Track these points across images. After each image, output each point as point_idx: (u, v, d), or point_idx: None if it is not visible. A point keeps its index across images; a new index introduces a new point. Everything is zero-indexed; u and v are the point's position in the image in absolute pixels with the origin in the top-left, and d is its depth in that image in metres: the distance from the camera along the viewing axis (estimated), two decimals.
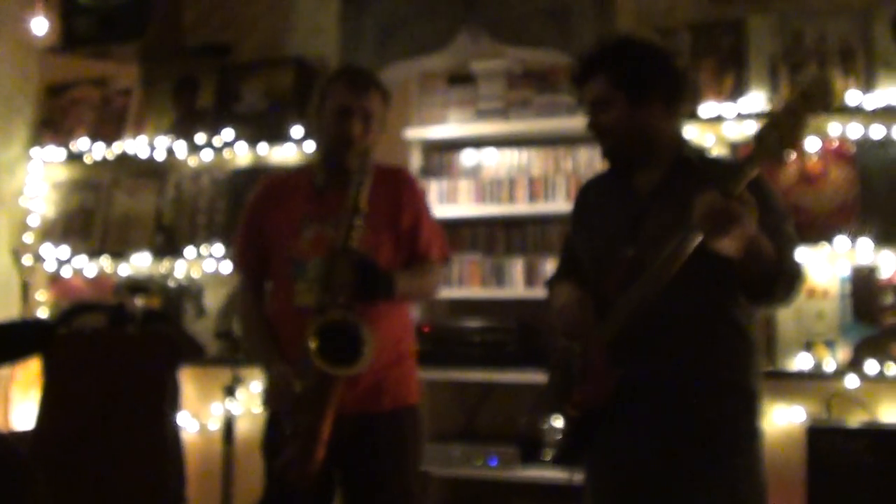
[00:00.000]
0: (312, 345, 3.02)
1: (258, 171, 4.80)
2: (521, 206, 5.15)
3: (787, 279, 2.68)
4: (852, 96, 4.29)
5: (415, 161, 5.42)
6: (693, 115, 4.43)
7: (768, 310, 3.53)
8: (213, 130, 5.09)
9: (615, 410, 2.79)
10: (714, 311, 2.79)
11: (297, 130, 4.87)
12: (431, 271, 3.51)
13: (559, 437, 2.98)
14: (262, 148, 5.03)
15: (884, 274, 4.30)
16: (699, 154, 2.99)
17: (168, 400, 4.46)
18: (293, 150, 4.95)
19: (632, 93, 2.84)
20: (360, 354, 3.05)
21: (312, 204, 3.38)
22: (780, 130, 2.37)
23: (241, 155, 5.06)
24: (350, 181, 3.16)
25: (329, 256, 3.14)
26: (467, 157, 5.39)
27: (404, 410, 3.40)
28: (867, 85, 4.34)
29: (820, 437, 3.98)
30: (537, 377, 4.83)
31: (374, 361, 3.14)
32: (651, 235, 2.76)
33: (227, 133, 5.05)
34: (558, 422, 3.00)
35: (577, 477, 3.01)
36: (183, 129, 5.17)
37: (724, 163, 3.30)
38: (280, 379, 3.21)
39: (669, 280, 2.61)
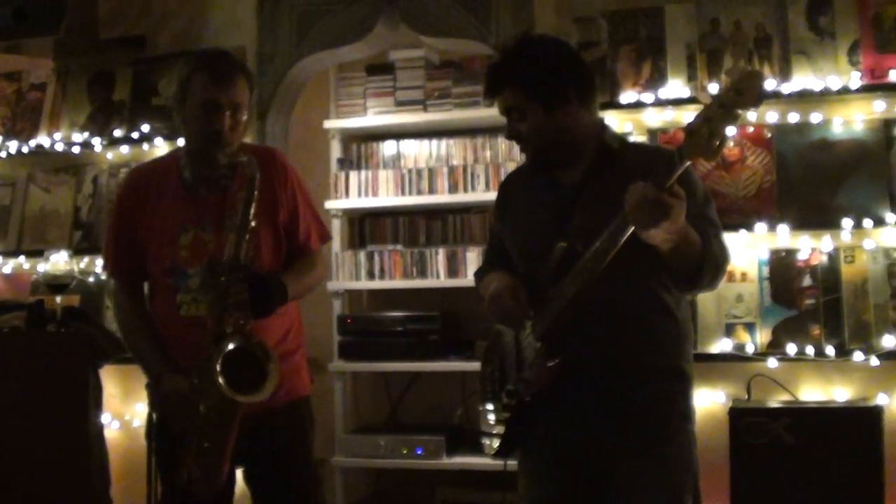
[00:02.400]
0: (219, 378, 2.93)
1: None
2: (442, 197, 5.16)
3: (713, 266, 2.72)
4: (769, 83, 4.38)
5: (335, 152, 5.40)
6: (612, 103, 4.49)
7: (694, 294, 3.58)
8: (131, 124, 5.03)
9: (552, 398, 2.82)
10: (646, 297, 2.82)
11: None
12: (315, 264, 3.45)
13: (496, 426, 2.99)
14: (181, 141, 4.96)
15: (801, 257, 4.41)
16: (620, 141, 3.00)
17: (90, 399, 4.39)
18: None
19: (546, 100, 2.83)
20: (264, 377, 2.98)
21: (187, 206, 3.25)
22: (711, 125, 2.37)
23: (160, 148, 4.99)
24: (222, 178, 3.10)
25: (213, 270, 3.04)
26: (387, 147, 5.39)
27: (299, 402, 3.39)
28: (783, 72, 4.44)
29: (741, 418, 4.06)
30: (461, 366, 4.91)
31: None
32: (580, 226, 2.78)
33: (145, 126, 4.99)
34: (494, 412, 3.02)
35: (511, 463, 3.04)
36: (99, 123, 5.10)
37: (645, 148, 3.34)
38: (174, 396, 3.12)
39: (603, 270, 2.63)
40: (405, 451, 4.98)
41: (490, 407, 3.05)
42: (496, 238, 3.17)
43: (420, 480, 5.19)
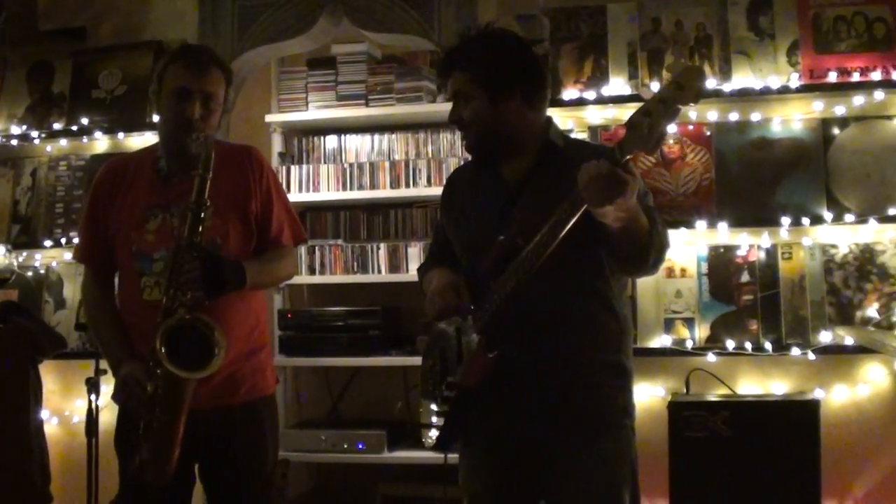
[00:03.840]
0: (161, 348, 2.93)
1: None
2: (384, 191, 5.14)
3: (658, 248, 2.74)
4: (709, 82, 4.44)
5: (276, 146, 5.37)
6: (554, 101, 4.51)
7: (637, 278, 3.60)
8: (70, 116, 4.97)
9: (492, 392, 2.82)
10: (586, 293, 2.84)
11: (156, 116, 4.75)
12: (284, 256, 3.44)
13: (436, 420, 3.00)
14: (121, 134, 4.93)
15: (740, 253, 4.48)
16: (564, 138, 3.03)
17: (30, 395, 4.33)
18: (152, 135, 4.83)
19: (492, 90, 2.85)
20: (211, 356, 2.98)
21: (157, 192, 3.28)
22: (652, 119, 2.38)
23: (100, 141, 4.93)
24: (193, 167, 3.07)
25: (174, 253, 3.06)
26: (329, 142, 5.36)
27: (260, 401, 3.37)
28: (723, 71, 4.51)
29: (680, 412, 4.11)
30: (402, 360, 4.91)
31: (228, 353, 3.09)
32: (521, 221, 2.78)
33: (84, 119, 4.93)
34: (435, 405, 3.03)
35: (451, 457, 3.04)
36: (38, 116, 5.03)
37: (588, 145, 3.38)
38: (129, 379, 3.12)
39: (542, 264, 2.64)
40: (346, 446, 4.97)
41: (430, 400, 3.05)
42: (441, 234, 3.18)
43: (362, 475, 5.18)
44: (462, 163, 3.70)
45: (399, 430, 5.03)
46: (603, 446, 2.86)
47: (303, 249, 5.18)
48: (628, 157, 2.45)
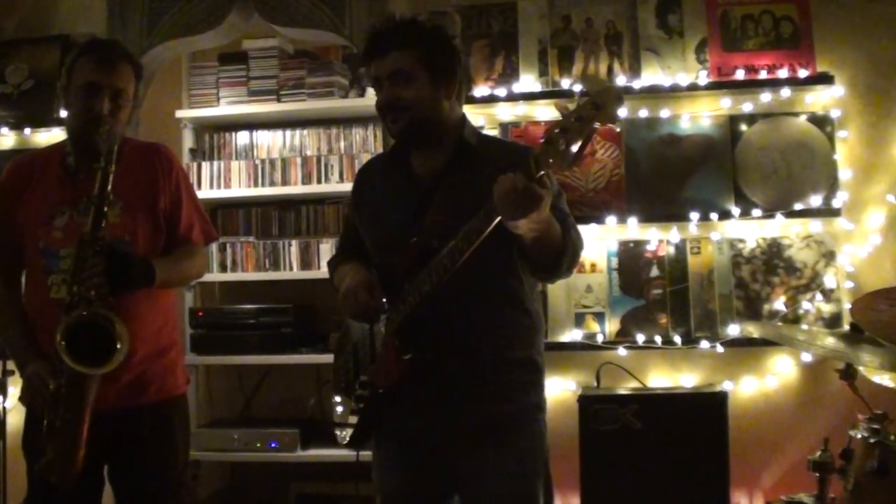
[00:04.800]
0: (61, 343, 2.89)
1: None
2: (295, 188, 5.10)
3: (572, 254, 2.76)
4: (619, 79, 4.49)
5: (187, 142, 5.30)
6: (466, 97, 4.51)
7: (550, 283, 3.60)
8: None
9: (405, 389, 2.82)
10: (498, 290, 2.85)
11: (64, 111, 4.67)
12: (194, 254, 3.42)
13: (350, 417, 2.98)
14: (28, 130, 4.83)
15: (649, 248, 4.53)
16: (478, 136, 3.00)
17: None
18: (60, 131, 4.75)
19: (436, 73, 2.83)
20: (112, 351, 2.94)
21: (65, 189, 3.24)
22: (568, 136, 2.36)
23: (6, 137, 4.82)
24: (97, 161, 3.03)
25: (77, 247, 3.01)
26: (240, 138, 5.31)
27: (170, 402, 3.34)
28: (633, 68, 4.56)
29: (591, 405, 4.16)
30: (315, 358, 4.88)
31: (136, 353, 3.08)
32: (436, 221, 2.78)
33: None
34: (348, 403, 3.01)
35: (365, 454, 3.04)
36: None
37: (501, 144, 3.33)
38: (34, 378, 3.08)
39: (459, 267, 2.64)
40: (259, 445, 4.92)
41: (344, 398, 3.05)
42: (351, 227, 3.15)
43: (275, 474, 5.14)
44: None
45: (312, 428, 5.00)
46: (516, 442, 2.87)
47: (214, 247, 5.11)
48: (543, 172, 2.43)
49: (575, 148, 2.37)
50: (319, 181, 5.05)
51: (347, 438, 3.01)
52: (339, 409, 3.07)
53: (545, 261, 2.73)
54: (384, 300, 2.86)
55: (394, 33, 2.84)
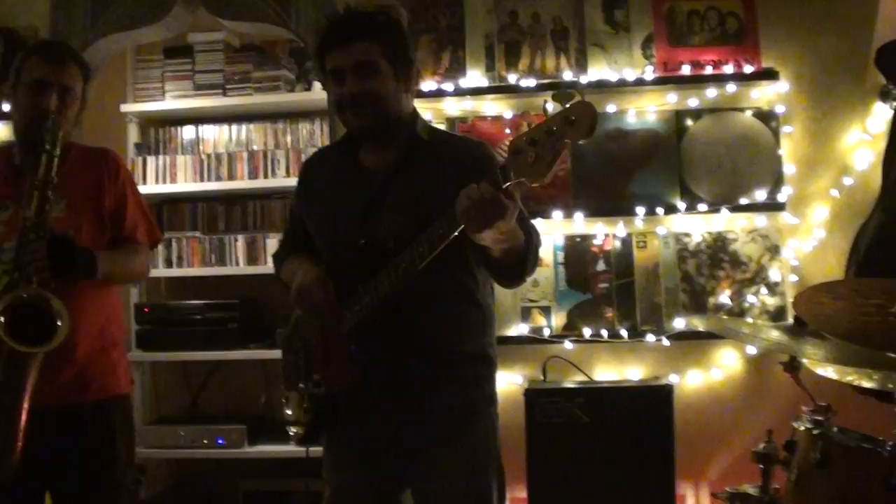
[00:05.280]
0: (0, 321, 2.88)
1: None
2: (242, 182, 5.05)
3: (535, 259, 2.76)
4: (566, 74, 4.50)
5: (132, 136, 5.23)
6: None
7: (511, 289, 3.56)
8: None
9: (360, 388, 2.80)
10: (451, 286, 2.83)
11: (5, 106, 4.60)
12: (138, 252, 3.41)
13: (301, 414, 2.96)
14: None
15: (595, 242, 4.54)
16: (430, 131, 2.96)
17: None
18: (2, 125, 4.69)
19: (399, 67, 2.79)
20: (54, 331, 2.92)
21: (10, 185, 3.23)
22: (538, 149, 2.29)
23: None
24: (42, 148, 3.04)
25: (20, 233, 3.01)
26: (186, 132, 5.26)
27: (112, 402, 3.31)
28: (579, 64, 4.58)
29: (537, 399, 4.17)
30: (262, 354, 4.85)
31: (77, 347, 3.06)
32: (390, 221, 2.76)
33: None
34: (300, 401, 2.98)
35: (314, 451, 3.02)
36: None
37: (452, 139, 3.22)
38: None
39: (420, 272, 2.61)
40: (206, 442, 4.88)
41: (295, 396, 3.01)
42: (297, 220, 3.11)
43: (222, 471, 5.10)
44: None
45: (260, 424, 4.96)
46: (470, 437, 2.87)
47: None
48: (510, 183, 2.37)
49: (544, 163, 2.29)
50: (266, 176, 5.01)
51: (299, 436, 2.99)
52: (291, 406, 3.04)
53: (509, 269, 2.73)
54: (337, 301, 2.82)
55: (356, 23, 2.78)
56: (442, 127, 4.55)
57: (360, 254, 2.77)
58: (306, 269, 2.90)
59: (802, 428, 3.24)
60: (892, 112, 4.47)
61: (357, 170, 2.90)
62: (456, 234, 2.51)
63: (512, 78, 4.61)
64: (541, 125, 2.31)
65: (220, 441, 4.87)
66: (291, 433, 3.03)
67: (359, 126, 2.82)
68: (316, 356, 2.92)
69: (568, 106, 2.29)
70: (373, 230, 2.77)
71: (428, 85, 4.63)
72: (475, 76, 4.65)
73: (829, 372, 3.56)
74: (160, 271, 5.11)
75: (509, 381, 4.49)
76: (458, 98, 4.64)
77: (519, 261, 2.69)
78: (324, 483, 3.01)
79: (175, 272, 5.15)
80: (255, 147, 5.14)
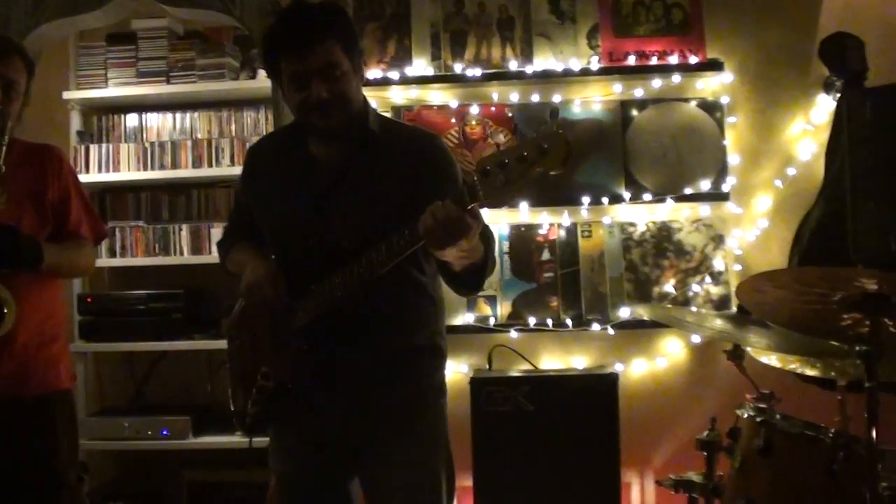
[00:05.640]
0: None
1: None
2: (186, 171, 5.00)
3: (491, 270, 2.76)
4: (511, 64, 4.51)
5: (74, 124, 5.17)
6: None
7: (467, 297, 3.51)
8: None
9: (310, 382, 2.79)
10: (402, 278, 2.80)
11: None
12: (82, 247, 3.39)
13: (248, 404, 2.92)
14: None
15: (540, 232, 4.55)
16: (381, 123, 2.90)
17: None
18: None
19: (356, 63, 2.75)
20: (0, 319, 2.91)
21: None
22: (507, 174, 2.26)
23: None
24: None
25: None
26: (129, 120, 5.20)
27: (53, 397, 3.28)
28: (525, 53, 4.58)
29: (482, 387, 4.17)
30: (207, 344, 4.81)
31: (18, 339, 3.04)
32: (345, 219, 2.74)
33: None
34: (246, 392, 2.95)
35: (258, 441, 3.01)
36: None
37: (404, 131, 3.06)
38: None
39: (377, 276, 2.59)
40: (150, 433, 4.84)
41: (242, 387, 2.97)
42: (242, 207, 3.07)
43: (167, 462, 5.06)
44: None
45: (204, 415, 4.93)
46: (419, 428, 2.87)
47: None
48: (474, 204, 2.35)
49: (513, 188, 2.27)
50: (210, 164, 4.97)
51: (245, 426, 2.96)
52: (238, 397, 3.00)
53: (466, 282, 2.71)
54: (288, 297, 2.79)
55: (312, 23, 2.68)
56: (388, 115, 4.53)
57: (314, 251, 2.75)
58: (256, 264, 2.86)
59: (746, 415, 3.27)
60: (835, 103, 4.51)
61: (308, 161, 2.84)
62: (416, 247, 2.49)
63: (458, 67, 4.61)
64: (513, 149, 2.28)
65: (164, 432, 4.83)
66: (238, 424, 3.00)
67: (326, 128, 2.75)
68: (265, 350, 2.88)
69: (543, 135, 2.26)
70: (326, 227, 2.75)
71: (373, 73, 4.62)
72: (421, 65, 4.64)
73: (772, 360, 3.60)
74: (103, 261, 5.05)
75: (455, 371, 4.49)
76: (404, 87, 4.63)
77: (476, 274, 2.68)
78: (269, 472, 3.00)
79: (119, 262, 5.09)
80: (199, 135, 5.09)
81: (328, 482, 2.93)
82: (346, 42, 2.71)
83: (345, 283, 2.64)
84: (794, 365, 3.57)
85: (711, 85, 4.67)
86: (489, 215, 4.49)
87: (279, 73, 2.75)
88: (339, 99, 2.69)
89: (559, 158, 2.22)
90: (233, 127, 5.06)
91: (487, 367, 4.40)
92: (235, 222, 3.17)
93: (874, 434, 2.59)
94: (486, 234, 2.67)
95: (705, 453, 3.50)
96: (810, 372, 3.52)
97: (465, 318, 4.54)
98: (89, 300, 5.00)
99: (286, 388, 2.82)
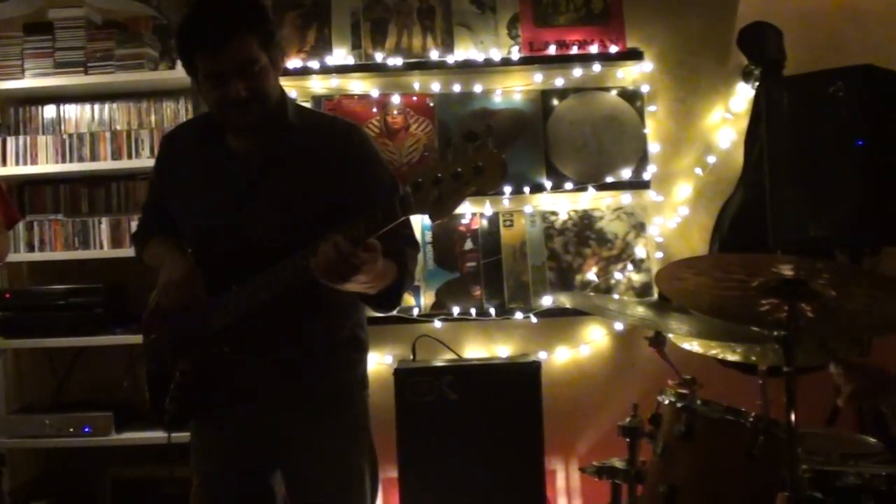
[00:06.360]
0: None
1: None
2: (105, 163, 4.92)
3: (410, 282, 2.76)
4: (432, 54, 4.51)
5: None
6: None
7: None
8: None
9: (230, 375, 2.77)
10: None
11: None
12: None
13: (168, 403, 2.87)
14: None
15: (463, 221, 4.55)
16: (300, 114, 2.88)
17: None
18: None
19: (274, 56, 2.69)
20: None
21: None
22: (441, 190, 2.27)
23: None
24: None
25: None
26: (47, 111, 5.11)
27: None
28: (445, 43, 4.58)
29: (406, 378, 4.18)
30: (128, 339, 4.75)
31: None
32: (266, 216, 2.72)
33: None
34: (165, 385, 2.91)
35: (178, 437, 2.96)
36: None
37: (323, 122, 3.02)
38: None
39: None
40: (72, 430, 4.77)
41: (159, 382, 2.92)
42: (157, 198, 3.03)
43: (89, 459, 4.99)
44: None
45: (127, 411, 4.87)
46: (342, 421, 2.87)
47: (21, 226, 4.91)
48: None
49: (447, 204, 2.28)
50: (130, 156, 4.89)
51: (164, 423, 2.92)
52: (154, 393, 2.96)
53: (381, 304, 2.73)
54: (207, 295, 2.77)
55: (228, 18, 2.61)
56: (307, 105, 4.51)
57: (235, 250, 2.72)
58: (174, 261, 2.83)
59: (667, 401, 3.29)
60: (753, 92, 4.56)
61: (226, 155, 2.80)
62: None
63: (378, 56, 4.59)
64: (448, 165, 2.28)
65: (86, 429, 4.77)
66: (156, 420, 2.96)
67: (245, 124, 2.71)
68: (183, 348, 2.85)
69: (481, 155, 2.26)
70: (248, 226, 2.72)
71: (293, 62, 4.58)
72: (341, 54, 4.62)
73: (694, 346, 3.64)
74: (22, 255, 4.97)
75: (378, 362, 4.49)
76: (324, 76, 4.60)
77: (390, 295, 2.68)
78: (192, 469, 2.96)
79: (37, 256, 5.00)
80: (118, 127, 5.02)
81: (250, 478, 2.91)
82: (263, 36, 2.65)
83: (269, 284, 2.62)
84: (716, 351, 3.61)
85: (631, 74, 4.70)
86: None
87: (195, 69, 2.69)
88: (258, 95, 2.65)
89: (495, 179, 2.24)
90: (152, 118, 4.99)
91: (411, 357, 4.39)
92: (150, 213, 3.11)
93: (793, 417, 2.63)
94: (399, 252, 2.66)
95: (628, 440, 3.53)
96: (732, 357, 3.56)
97: None
98: (8, 296, 4.92)
99: (205, 384, 2.79)
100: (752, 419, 3.00)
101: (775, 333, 2.71)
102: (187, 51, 2.68)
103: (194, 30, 2.65)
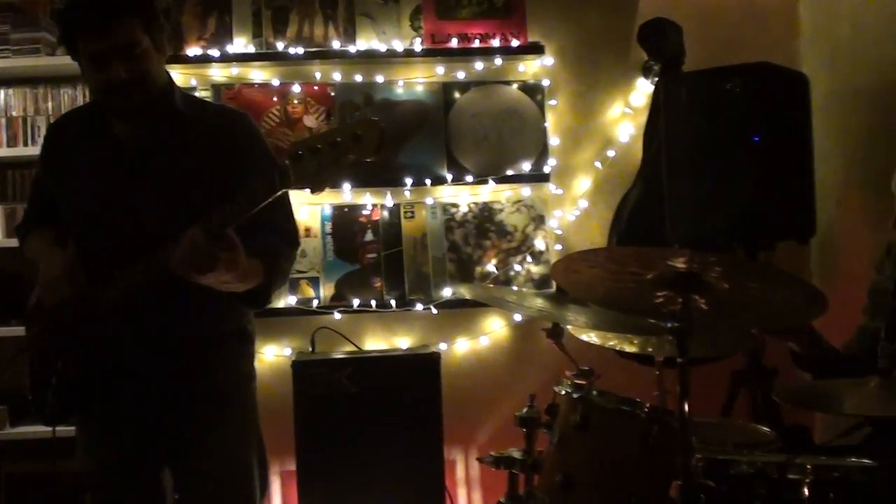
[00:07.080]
0: None
1: None
2: (0, 150, 4.84)
3: (283, 280, 2.76)
4: (334, 43, 4.50)
5: None
6: (177, 58, 4.43)
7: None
8: None
9: (116, 366, 2.75)
10: None
11: None
12: None
13: (50, 396, 2.84)
14: None
15: (364, 213, 4.56)
16: (186, 101, 2.87)
17: None
18: None
19: (156, 37, 2.67)
20: None
21: None
22: (321, 160, 2.27)
23: None
24: None
25: None
26: None
27: None
28: (347, 33, 4.57)
29: (305, 370, 4.14)
30: (23, 331, 4.66)
31: None
32: (153, 205, 2.70)
33: None
34: (48, 377, 2.87)
35: (63, 431, 2.93)
36: None
37: (213, 111, 3.06)
38: None
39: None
40: None
41: (41, 375, 2.89)
42: (42, 190, 2.99)
43: None
44: None
45: (23, 404, 4.77)
46: (229, 415, 2.87)
47: None
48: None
49: (326, 174, 2.28)
50: (26, 143, 4.80)
51: (46, 417, 2.88)
52: (36, 385, 2.92)
53: (249, 302, 2.71)
54: (90, 286, 2.74)
55: (117, 2, 2.61)
56: (207, 94, 4.48)
57: (120, 237, 2.70)
58: (52, 256, 2.81)
59: (563, 392, 3.33)
60: (653, 87, 4.63)
61: (112, 143, 2.78)
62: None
63: (279, 45, 4.56)
64: (325, 134, 2.30)
65: None
66: (37, 414, 2.92)
67: (128, 108, 2.70)
68: (65, 340, 2.81)
69: (357, 122, 2.28)
70: (134, 212, 2.70)
71: (193, 50, 4.53)
72: (241, 42, 4.58)
73: (592, 338, 3.68)
74: None
75: (277, 354, 4.47)
76: (225, 64, 4.55)
77: (257, 296, 2.67)
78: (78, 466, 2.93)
79: None
80: (13, 113, 4.90)
81: (138, 475, 2.89)
82: (146, 18, 2.64)
83: (148, 268, 2.59)
84: (614, 342, 3.66)
85: (532, 68, 4.75)
86: (311, 196, 4.48)
87: (78, 52, 2.68)
88: (140, 79, 2.64)
89: (373, 146, 2.26)
90: (49, 104, 4.89)
91: (310, 349, 4.38)
92: (34, 205, 3.08)
93: (686, 407, 2.67)
94: (271, 252, 2.66)
95: (525, 430, 3.56)
96: (629, 349, 3.61)
97: (287, 300, 4.51)
98: None
99: (87, 377, 2.77)
100: (646, 409, 3.03)
101: (669, 325, 2.75)
102: (69, 32, 2.67)
103: (76, 10, 2.64)
